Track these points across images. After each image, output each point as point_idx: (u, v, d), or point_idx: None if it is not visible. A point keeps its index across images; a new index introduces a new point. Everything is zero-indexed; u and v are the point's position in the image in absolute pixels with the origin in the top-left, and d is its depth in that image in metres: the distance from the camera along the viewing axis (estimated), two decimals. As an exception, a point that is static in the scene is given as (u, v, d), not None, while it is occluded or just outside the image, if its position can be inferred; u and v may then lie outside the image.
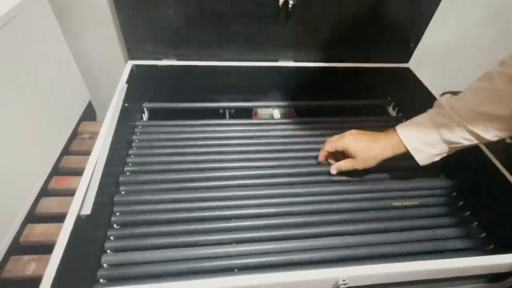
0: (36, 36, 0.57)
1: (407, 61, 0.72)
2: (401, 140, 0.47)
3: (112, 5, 0.62)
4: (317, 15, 0.61)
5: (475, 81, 0.45)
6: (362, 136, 0.51)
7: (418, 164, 0.47)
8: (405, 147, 0.47)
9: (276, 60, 0.67)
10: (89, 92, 0.79)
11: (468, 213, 0.52)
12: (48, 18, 0.61)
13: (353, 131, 0.52)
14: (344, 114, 0.69)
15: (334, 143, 0.52)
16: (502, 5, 0.76)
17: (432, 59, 0.84)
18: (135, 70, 0.62)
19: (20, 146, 0.54)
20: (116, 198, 0.48)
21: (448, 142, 0.44)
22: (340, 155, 0.54)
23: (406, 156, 0.47)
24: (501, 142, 0.79)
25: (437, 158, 0.47)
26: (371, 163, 0.50)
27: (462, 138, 0.43)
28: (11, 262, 0.52)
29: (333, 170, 0.53)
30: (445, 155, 0.46)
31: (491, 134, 0.42)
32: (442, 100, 0.46)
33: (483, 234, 0.49)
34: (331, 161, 0.56)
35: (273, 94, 0.70)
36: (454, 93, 0.84)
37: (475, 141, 0.43)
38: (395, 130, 0.48)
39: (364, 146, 0.50)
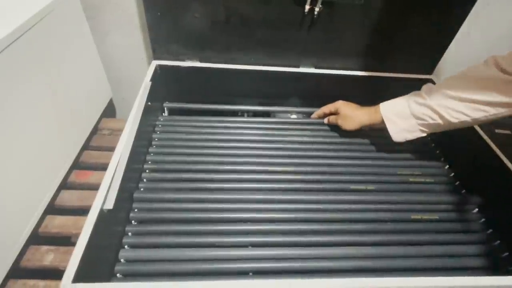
0: (66, 34, 0.59)
1: (430, 72, 0.71)
2: (379, 109, 0.54)
3: (140, 6, 0.64)
4: (341, 22, 0.61)
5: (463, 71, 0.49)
6: (352, 103, 0.61)
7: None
8: (381, 116, 0.53)
9: (297, 66, 0.67)
10: (111, 90, 0.80)
11: (490, 230, 0.51)
12: (78, 17, 0.63)
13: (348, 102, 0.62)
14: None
15: (330, 105, 0.63)
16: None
17: (456, 72, 0.83)
18: (159, 69, 0.64)
19: (45, 140, 0.55)
20: (135, 195, 0.49)
21: (415, 117, 0.50)
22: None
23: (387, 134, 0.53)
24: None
25: (409, 136, 0.52)
26: (352, 124, 0.59)
27: (426, 115, 0.48)
28: (30, 251, 0.54)
29: (325, 121, 0.65)
30: (418, 135, 0.51)
31: (449, 115, 0.46)
32: (424, 85, 0.52)
33: (506, 254, 0.48)
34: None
35: (292, 100, 0.70)
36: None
37: (438, 120, 0.48)
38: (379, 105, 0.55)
39: (350, 109, 0.60)
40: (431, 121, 0.49)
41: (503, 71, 0.42)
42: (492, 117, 0.45)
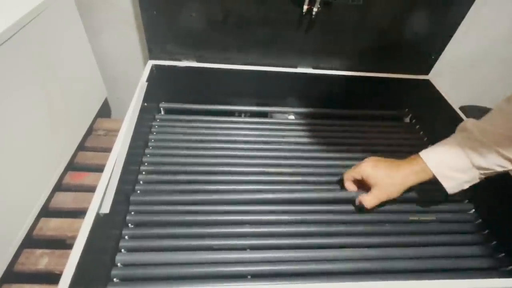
0: (59, 33, 0.58)
1: (427, 73, 0.71)
2: (426, 166, 0.44)
3: (136, 5, 0.63)
4: (339, 23, 0.61)
5: (502, 104, 0.42)
6: (381, 163, 0.48)
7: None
8: (432, 173, 0.44)
9: (295, 67, 0.67)
10: (106, 89, 0.79)
11: (486, 231, 0.51)
12: (72, 16, 0.62)
13: (372, 158, 0.49)
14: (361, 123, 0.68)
15: (352, 172, 0.50)
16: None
17: (453, 72, 0.83)
18: (155, 70, 0.63)
19: (38, 141, 0.54)
20: (132, 198, 0.48)
21: (479, 168, 0.42)
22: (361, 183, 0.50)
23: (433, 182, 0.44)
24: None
25: (466, 186, 0.44)
26: (394, 192, 0.47)
27: (495, 164, 0.41)
28: (24, 255, 0.53)
29: (358, 203, 0.49)
30: (476, 182, 0.43)
31: None
32: (468, 125, 0.43)
33: (502, 254, 0.48)
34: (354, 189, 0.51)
35: (290, 100, 0.70)
36: (472, 107, 0.83)
37: (509, 167, 0.41)
38: (418, 155, 0.45)
39: (384, 174, 0.46)
40: (499, 169, 0.41)
41: None
42: None
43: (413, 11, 0.60)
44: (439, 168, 0.43)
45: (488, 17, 0.72)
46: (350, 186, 0.51)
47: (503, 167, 0.41)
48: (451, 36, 0.65)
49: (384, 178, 0.46)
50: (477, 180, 0.43)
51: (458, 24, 0.63)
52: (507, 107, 0.41)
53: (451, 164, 0.43)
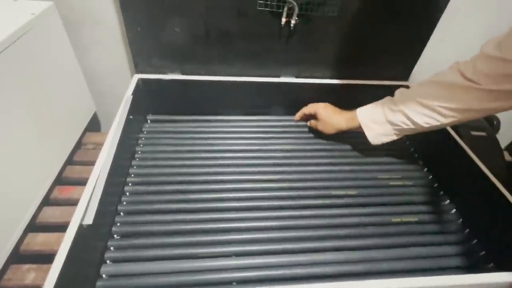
0: (46, 50, 0.59)
1: (406, 78, 0.73)
2: (356, 116, 0.56)
3: (121, 22, 0.65)
4: (318, 34, 0.63)
5: (433, 76, 0.50)
6: (331, 107, 0.62)
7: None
8: (358, 122, 0.56)
9: (278, 76, 0.69)
10: (95, 104, 0.80)
11: (467, 230, 0.52)
12: (59, 32, 0.64)
13: (326, 103, 0.63)
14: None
15: (310, 106, 0.65)
16: (500, 24, 0.78)
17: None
18: (141, 83, 0.64)
19: (26, 155, 0.55)
20: (117, 208, 0.49)
21: (390, 123, 0.52)
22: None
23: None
24: (501, 160, 0.79)
25: (385, 139, 0.55)
26: (329, 129, 0.61)
27: (400, 121, 0.51)
28: (11, 271, 0.53)
29: (308, 123, 0.67)
30: (394, 137, 0.54)
31: (421, 120, 0.48)
32: (398, 89, 0.55)
33: (483, 252, 0.49)
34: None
35: (275, 109, 0.71)
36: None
37: (411, 126, 0.50)
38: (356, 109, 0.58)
39: (328, 114, 0.61)
40: (405, 126, 0.51)
41: (464, 77, 0.44)
42: (462, 120, 0.47)
43: (386, 20, 0.63)
44: (363, 119, 0.56)
45: (462, 23, 0.75)
46: (299, 116, 0.68)
47: (406, 124, 0.50)
48: (425, 43, 0.68)
49: (327, 117, 0.62)
50: (394, 136, 0.54)
51: (431, 31, 0.66)
52: (433, 78, 0.50)
53: (373, 117, 0.55)
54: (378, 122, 0.54)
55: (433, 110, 0.47)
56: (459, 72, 0.45)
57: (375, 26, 0.63)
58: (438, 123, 0.48)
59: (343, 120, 0.59)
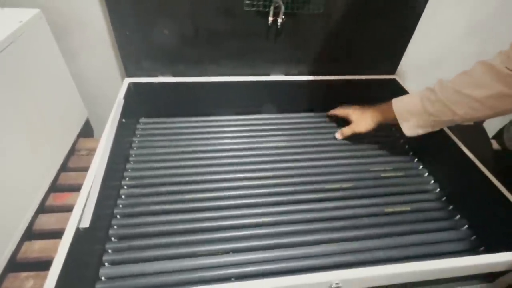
0: (35, 56, 0.59)
1: (393, 72, 0.75)
2: (391, 107, 0.55)
3: (109, 26, 0.65)
4: (305, 31, 0.64)
5: (467, 70, 0.49)
6: (357, 107, 0.63)
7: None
8: (394, 113, 0.54)
9: (268, 75, 0.70)
10: (87, 109, 0.80)
11: (458, 216, 0.54)
12: (47, 39, 0.63)
13: (354, 106, 0.64)
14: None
15: (339, 109, 0.67)
16: (483, 17, 0.80)
17: (418, 70, 0.88)
18: (132, 87, 0.64)
19: (19, 163, 0.55)
20: (113, 211, 0.49)
21: (429, 114, 0.51)
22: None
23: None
24: (489, 148, 0.81)
25: (420, 131, 0.53)
26: (367, 125, 0.60)
27: (440, 112, 0.49)
28: (9, 280, 0.52)
29: (338, 135, 0.66)
30: (429, 129, 0.53)
31: (462, 111, 0.47)
32: (437, 81, 0.52)
33: (473, 237, 0.51)
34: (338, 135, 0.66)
35: (267, 107, 0.72)
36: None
37: (451, 117, 0.49)
38: (390, 101, 0.57)
39: (360, 112, 0.62)
40: (444, 118, 0.50)
41: (505, 66, 0.43)
42: (500, 111, 0.46)
43: (371, 16, 0.64)
44: (399, 109, 0.54)
45: (445, 15, 0.77)
46: (331, 114, 0.70)
47: (446, 115, 0.49)
48: (410, 36, 0.69)
49: (360, 115, 0.62)
50: (429, 128, 0.53)
51: (415, 24, 0.68)
52: (466, 71, 0.48)
53: (409, 108, 0.53)
54: (415, 113, 0.52)
55: (475, 100, 0.46)
56: (500, 61, 0.44)
57: (360, 21, 0.65)
58: (479, 114, 0.47)
59: (377, 113, 0.59)
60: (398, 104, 0.55)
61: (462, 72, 0.49)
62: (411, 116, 0.53)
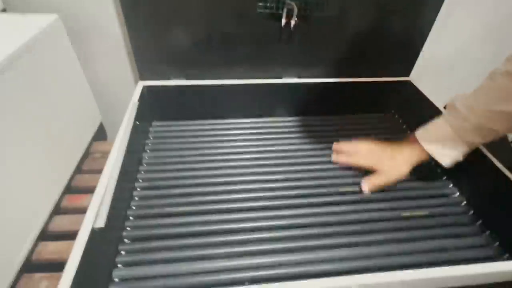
0: (53, 61, 0.61)
1: (408, 74, 0.73)
2: (423, 148, 0.51)
3: (125, 31, 0.66)
4: (318, 33, 0.64)
5: (484, 82, 0.47)
6: (378, 150, 0.55)
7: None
8: (429, 154, 0.50)
9: (280, 77, 0.69)
10: (100, 113, 0.82)
11: (479, 222, 0.52)
12: (65, 44, 0.65)
13: (368, 143, 0.56)
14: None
15: (347, 157, 0.57)
16: (500, 19, 0.78)
17: (432, 72, 0.86)
18: (146, 90, 0.65)
19: (35, 166, 0.56)
20: (127, 213, 0.49)
21: (469, 143, 0.48)
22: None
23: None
24: (509, 150, 0.79)
25: (461, 158, 0.50)
26: (401, 174, 0.53)
27: (481, 137, 0.47)
28: (23, 280, 0.53)
29: (365, 188, 0.53)
30: (468, 151, 0.50)
31: (505, 127, 0.45)
32: (457, 104, 0.48)
33: (496, 243, 0.49)
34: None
35: (279, 110, 0.72)
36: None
37: (493, 138, 0.47)
38: (414, 138, 0.52)
39: (388, 160, 0.53)
40: (488, 139, 0.48)
41: None
42: None
43: (385, 17, 0.63)
44: (435, 150, 0.50)
45: (460, 17, 0.76)
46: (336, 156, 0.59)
47: (488, 137, 0.47)
48: (425, 38, 0.68)
49: (388, 164, 0.53)
50: (469, 150, 0.49)
51: (431, 25, 0.66)
52: (486, 84, 0.46)
53: (445, 144, 0.49)
54: (453, 147, 0.49)
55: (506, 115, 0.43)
56: None
57: (375, 22, 0.64)
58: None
59: (407, 157, 0.52)
60: (427, 141, 0.50)
61: (480, 88, 0.46)
62: (450, 150, 0.49)
